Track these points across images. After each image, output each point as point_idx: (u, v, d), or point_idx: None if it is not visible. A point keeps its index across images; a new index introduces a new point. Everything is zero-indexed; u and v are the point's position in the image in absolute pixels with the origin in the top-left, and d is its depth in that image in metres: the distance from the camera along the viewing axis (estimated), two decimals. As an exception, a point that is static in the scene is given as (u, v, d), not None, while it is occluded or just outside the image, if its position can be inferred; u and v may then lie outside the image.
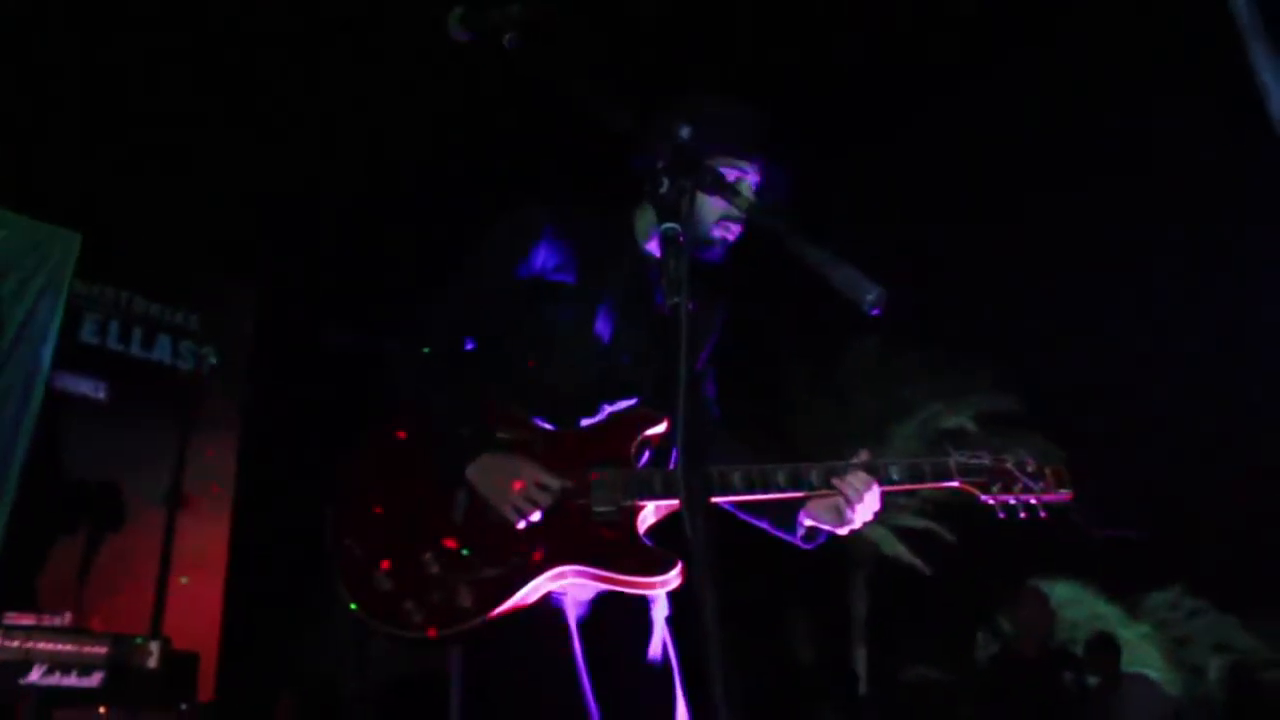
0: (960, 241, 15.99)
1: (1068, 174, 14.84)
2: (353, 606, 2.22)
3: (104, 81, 7.04)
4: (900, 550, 18.65)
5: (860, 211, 13.99)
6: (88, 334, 6.49)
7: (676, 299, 1.63)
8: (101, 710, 4.54)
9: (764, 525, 2.51)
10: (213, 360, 6.85)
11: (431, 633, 2.18)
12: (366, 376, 2.56)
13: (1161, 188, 14.17)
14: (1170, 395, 16.92)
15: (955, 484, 2.32)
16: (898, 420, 18.16)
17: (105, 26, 6.81)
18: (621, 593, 2.30)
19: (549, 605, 2.25)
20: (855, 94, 11.09)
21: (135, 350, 6.67)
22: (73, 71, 6.88)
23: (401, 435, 2.41)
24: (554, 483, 2.26)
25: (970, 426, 17.72)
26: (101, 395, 6.41)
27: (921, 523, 18.50)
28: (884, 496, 2.34)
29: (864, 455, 2.35)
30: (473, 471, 2.27)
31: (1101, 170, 14.67)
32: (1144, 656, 18.19)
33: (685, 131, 2.08)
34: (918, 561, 18.53)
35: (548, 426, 2.41)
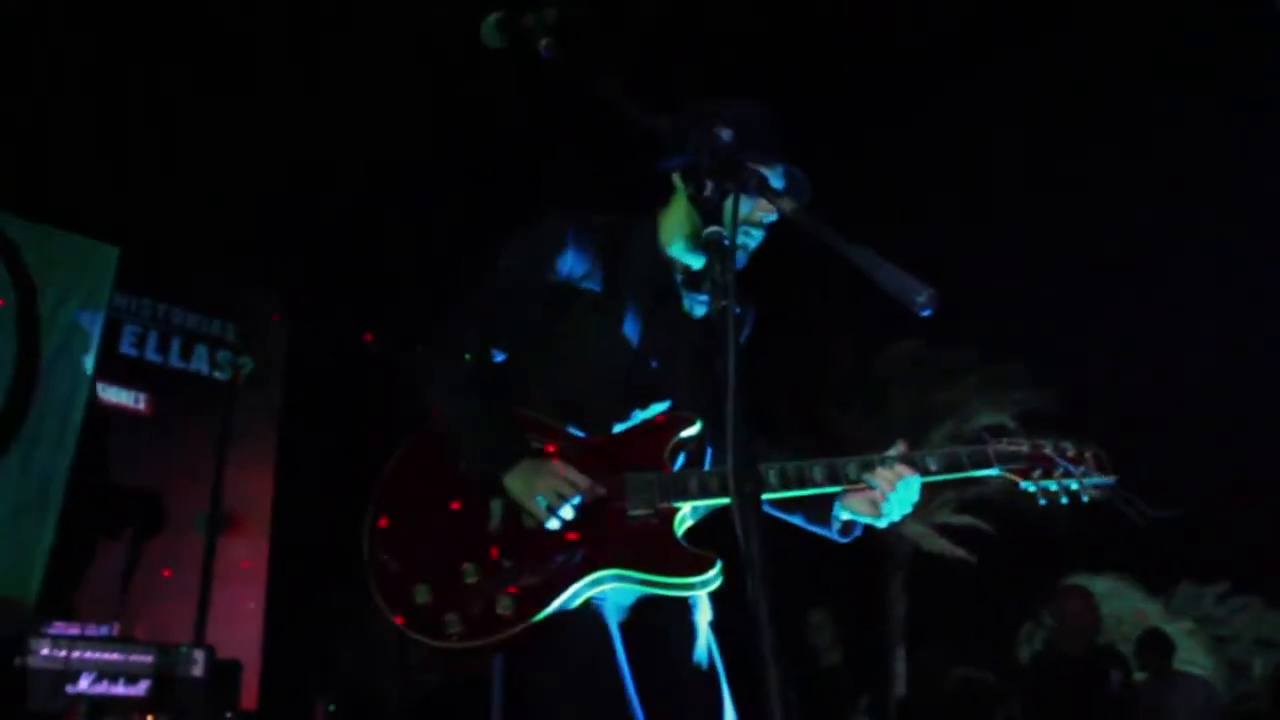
0: (997, 240, 15.87)
1: (1105, 171, 14.69)
2: (395, 620, 2.23)
3: (141, 96, 7.12)
4: (943, 545, 18.51)
5: (895, 211, 13.93)
6: (126, 345, 6.56)
7: (724, 303, 1.62)
8: (149, 719, 4.57)
9: (798, 521, 2.50)
10: (249, 369, 6.91)
11: (473, 643, 2.18)
12: (402, 385, 2.55)
13: (1194, 181, 14.01)
14: (1212, 390, 16.70)
15: (994, 471, 2.29)
16: (936, 420, 18.05)
17: (141, 41, 6.89)
18: (664, 596, 2.29)
19: (590, 610, 2.24)
20: (890, 91, 11.05)
21: (174, 361, 6.74)
22: (111, 88, 6.96)
23: (435, 447, 2.40)
24: (583, 479, 2.25)
25: (1010, 425, 17.55)
26: (141, 406, 6.48)
27: (962, 519, 18.38)
28: (923, 490, 2.32)
29: (902, 447, 2.33)
30: (508, 479, 2.26)
31: (1136, 166, 14.51)
32: (1188, 653, 17.98)
33: (727, 135, 2.07)
34: (961, 552, 18.38)
35: (580, 434, 2.40)
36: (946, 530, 18.54)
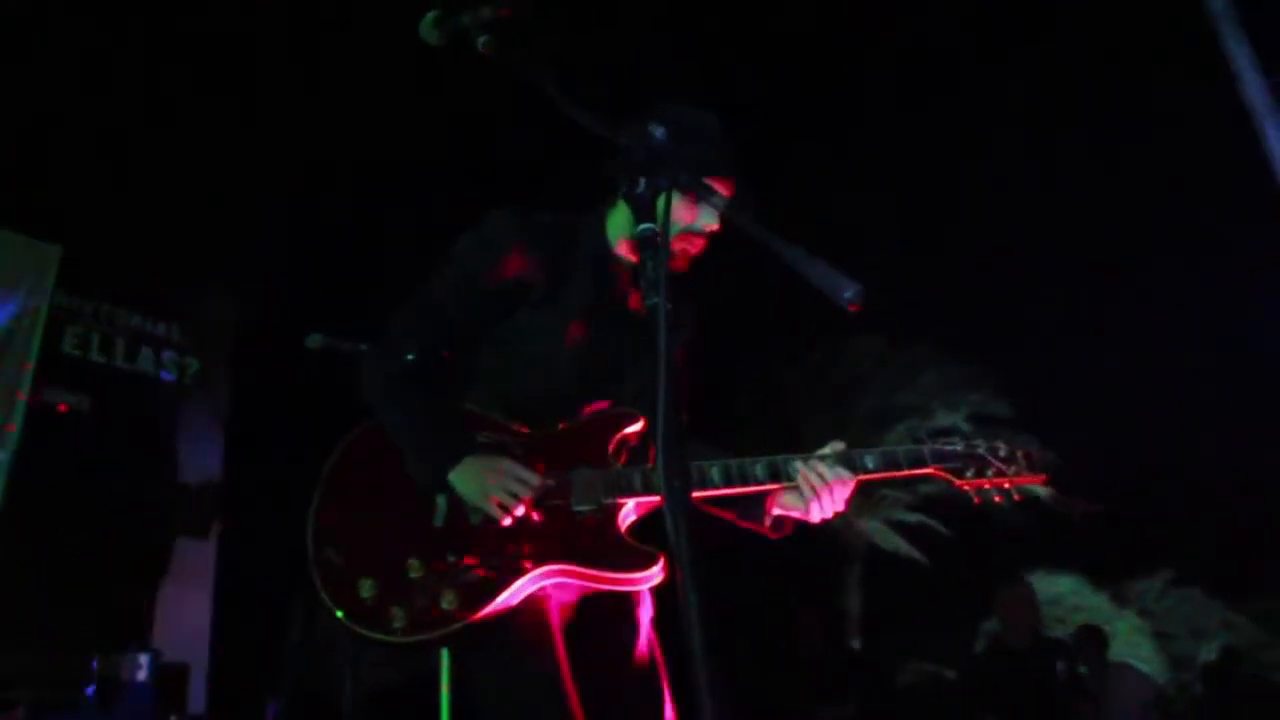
0: (960, 244, 16.06)
1: (1070, 177, 14.91)
2: (339, 615, 2.22)
3: (82, 93, 7.00)
4: (899, 544, 18.73)
5: (861, 213, 14.04)
6: (69, 346, 6.45)
7: (655, 299, 1.63)
8: (91, 725, 4.51)
9: (730, 517, 2.52)
10: (195, 369, 6.84)
11: (417, 637, 2.19)
12: (349, 383, 2.55)
13: (1157, 190, 14.25)
14: (1160, 393, 17.02)
15: (929, 470, 2.33)
16: (895, 420, 18.26)
17: (82, 36, 6.78)
18: (606, 594, 2.31)
19: (533, 607, 2.25)
20: (857, 93, 11.14)
21: (118, 362, 6.64)
22: (50, 84, 6.84)
23: (378, 443, 2.40)
24: (533, 478, 2.27)
25: (964, 426, 17.80)
26: (85, 407, 6.37)
27: (914, 517, 18.60)
28: (865, 488, 2.34)
29: (839, 446, 2.36)
30: (455, 476, 2.27)
31: (1102, 174, 14.76)
32: (1135, 646, 18.33)
33: (660, 132, 2.08)
34: (915, 553, 18.61)
35: (526, 430, 2.41)
36: (901, 527, 18.76)
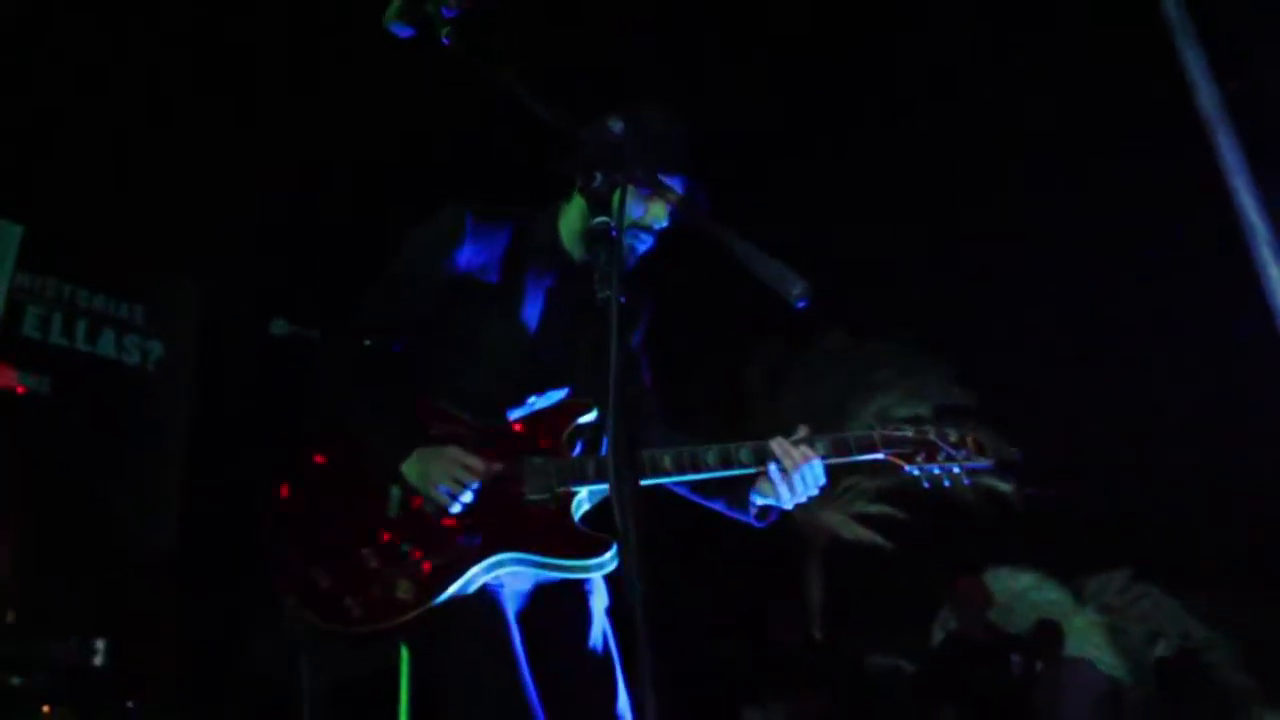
0: (926, 238, 16.18)
1: (1029, 167, 15.03)
2: (292, 604, 2.24)
3: (46, 72, 6.93)
4: (860, 533, 18.86)
5: (827, 209, 14.11)
6: (30, 328, 6.38)
7: (607, 292, 1.65)
8: (46, 710, 4.49)
9: (719, 507, 2.55)
10: (158, 354, 6.78)
11: (371, 626, 2.20)
12: (310, 370, 2.57)
13: (1117, 184, 14.41)
14: (1121, 388, 17.22)
15: (880, 455, 2.37)
16: (857, 411, 18.38)
17: (46, 16, 6.70)
18: (559, 583, 2.35)
19: (486, 596, 2.27)
20: (822, 92, 11.18)
21: (80, 345, 6.57)
22: (15, 61, 6.76)
23: (333, 435, 2.43)
24: (480, 464, 2.28)
25: (927, 415, 17.94)
26: (45, 390, 6.31)
27: (876, 508, 18.75)
28: (837, 478, 2.38)
29: (803, 431, 2.39)
30: (406, 466, 2.29)
31: (1060, 166, 14.89)
32: (1094, 641, 18.56)
33: (618, 127, 2.10)
34: (879, 538, 18.74)
35: (478, 422, 2.43)
36: (864, 519, 18.90)
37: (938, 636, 17.07)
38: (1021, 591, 18.52)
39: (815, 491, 2.38)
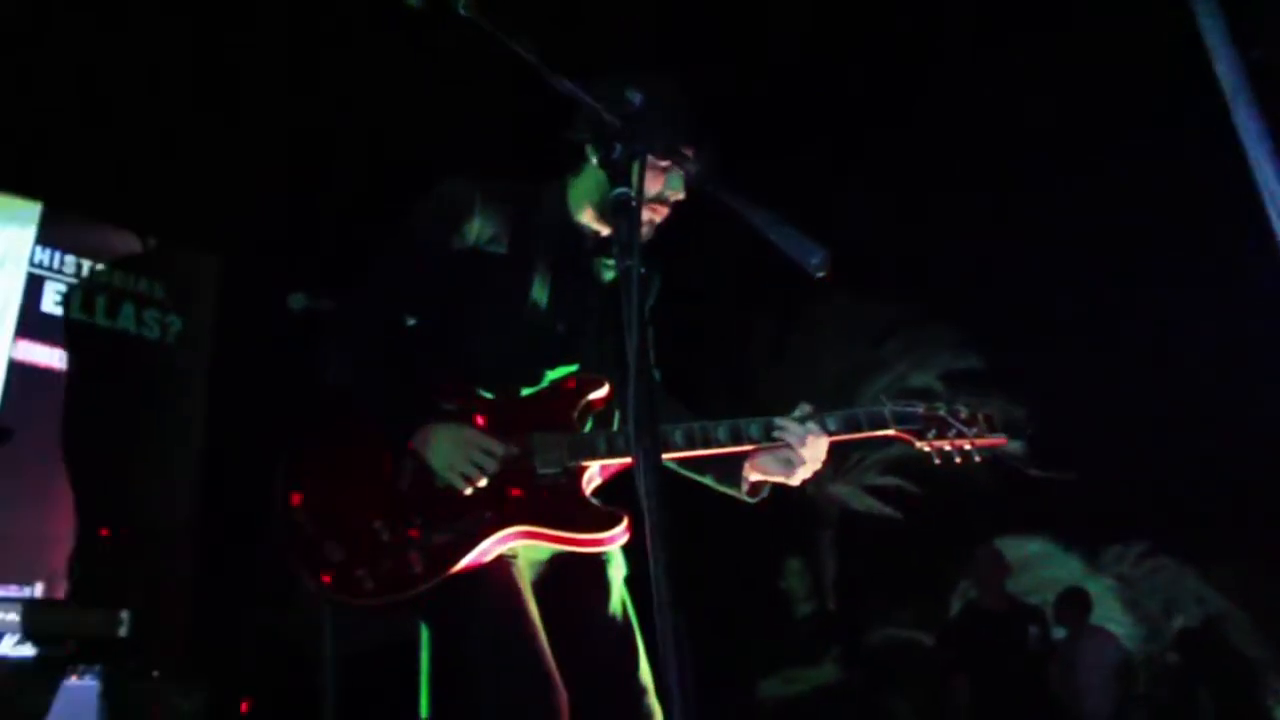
0: (933, 203, 16.06)
1: (1035, 132, 14.90)
2: (307, 578, 2.26)
3: (65, 44, 6.93)
4: (871, 503, 18.85)
5: (835, 173, 14.04)
6: (50, 304, 6.43)
7: (628, 263, 1.66)
8: (74, 679, 4.55)
9: (708, 481, 2.56)
10: (177, 328, 6.82)
11: (384, 599, 2.23)
12: (322, 342, 2.58)
13: (1123, 152, 14.28)
14: (1134, 356, 17.10)
15: (891, 432, 2.38)
16: (865, 380, 18.31)
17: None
18: (577, 553, 2.35)
19: (501, 566, 2.29)
20: (826, 47, 11.12)
21: (100, 320, 6.62)
22: (32, 34, 6.76)
23: (347, 411, 2.43)
24: (498, 448, 2.30)
25: (936, 385, 17.90)
26: (65, 365, 6.36)
27: (888, 480, 18.71)
28: (848, 451, 2.39)
29: (807, 408, 2.40)
30: (418, 442, 2.30)
31: (1066, 131, 14.75)
32: (1109, 611, 18.56)
33: (638, 99, 2.10)
34: (889, 510, 18.73)
35: (489, 396, 2.44)
36: (874, 491, 18.88)
37: (956, 608, 17.13)
38: (1032, 559, 18.48)
39: (818, 467, 2.40)
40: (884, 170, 14.61)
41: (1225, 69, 2.80)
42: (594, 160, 2.40)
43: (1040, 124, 14.06)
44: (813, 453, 2.36)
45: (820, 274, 1.66)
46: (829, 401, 2.46)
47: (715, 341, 16.35)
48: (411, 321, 2.53)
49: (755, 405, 2.45)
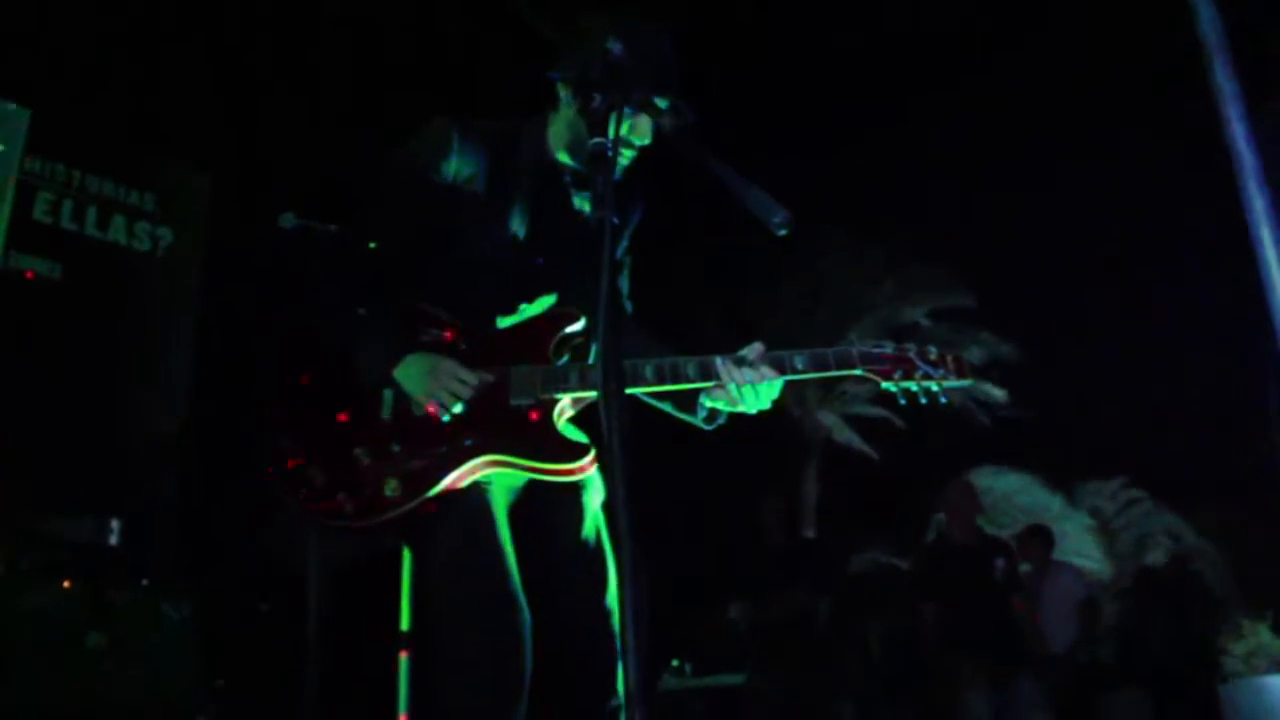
0: (929, 145, 16.01)
1: (1028, 80, 14.83)
2: (288, 499, 2.37)
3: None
4: (851, 437, 19.07)
5: (832, 118, 13.97)
6: (40, 213, 6.42)
7: (602, 213, 1.71)
8: (66, 585, 4.65)
9: (666, 408, 2.66)
10: (168, 241, 6.82)
11: (362, 521, 2.33)
12: (307, 270, 2.67)
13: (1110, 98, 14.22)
14: (1116, 297, 17.20)
15: (858, 371, 2.45)
16: (859, 314, 18.41)
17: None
18: (551, 481, 2.44)
19: (475, 492, 2.39)
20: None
21: (90, 230, 6.61)
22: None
23: (331, 340, 2.52)
24: (473, 378, 2.38)
25: (925, 321, 18.01)
26: (56, 275, 6.38)
27: (875, 410, 18.90)
28: (827, 382, 2.47)
29: (759, 347, 2.46)
30: (398, 372, 2.39)
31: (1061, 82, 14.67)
32: (1083, 545, 18.89)
33: (618, 49, 2.13)
34: (867, 448, 18.98)
35: (467, 327, 2.52)
36: (861, 421, 19.08)
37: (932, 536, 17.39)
38: (1009, 493, 18.77)
39: (767, 405, 2.47)
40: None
41: (1205, 27, 2.83)
42: (569, 102, 2.46)
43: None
44: (762, 393, 2.44)
45: (783, 232, 1.72)
46: (827, 335, 2.53)
47: (716, 275, 16.39)
48: (393, 255, 2.58)
49: (756, 337, 2.52)
